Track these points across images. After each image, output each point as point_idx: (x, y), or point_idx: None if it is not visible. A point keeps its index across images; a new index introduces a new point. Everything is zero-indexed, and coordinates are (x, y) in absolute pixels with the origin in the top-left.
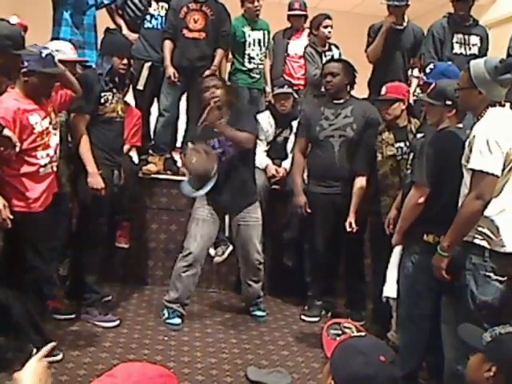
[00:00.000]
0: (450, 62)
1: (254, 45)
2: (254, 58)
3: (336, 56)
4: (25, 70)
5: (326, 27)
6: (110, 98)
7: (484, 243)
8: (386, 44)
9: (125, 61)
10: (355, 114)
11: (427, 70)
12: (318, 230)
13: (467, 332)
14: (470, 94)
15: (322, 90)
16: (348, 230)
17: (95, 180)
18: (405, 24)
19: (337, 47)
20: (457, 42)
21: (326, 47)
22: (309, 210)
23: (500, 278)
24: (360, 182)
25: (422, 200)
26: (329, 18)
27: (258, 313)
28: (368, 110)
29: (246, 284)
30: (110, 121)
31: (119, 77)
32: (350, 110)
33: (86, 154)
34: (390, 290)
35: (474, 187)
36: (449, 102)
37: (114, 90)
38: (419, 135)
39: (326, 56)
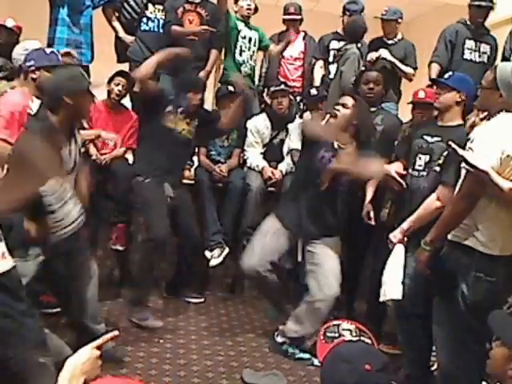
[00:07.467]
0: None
1: (244, 38)
2: (244, 51)
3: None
4: (33, 68)
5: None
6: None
7: (474, 245)
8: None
9: (199, 95)
10: (385, 123)
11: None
12: None
13: (497, 320)
14: (492, 94)
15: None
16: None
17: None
18: (396, 39)
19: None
20: (468, 48)
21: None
22: None
23: (490, 279)
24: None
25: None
26: None
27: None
28: (396, 121)
29: None
30: None
31: (193, 110)
32: (381, 119)
33: None
34: (394, 291)
35: (465, 186)
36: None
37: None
38: (434, 139)
39: None
